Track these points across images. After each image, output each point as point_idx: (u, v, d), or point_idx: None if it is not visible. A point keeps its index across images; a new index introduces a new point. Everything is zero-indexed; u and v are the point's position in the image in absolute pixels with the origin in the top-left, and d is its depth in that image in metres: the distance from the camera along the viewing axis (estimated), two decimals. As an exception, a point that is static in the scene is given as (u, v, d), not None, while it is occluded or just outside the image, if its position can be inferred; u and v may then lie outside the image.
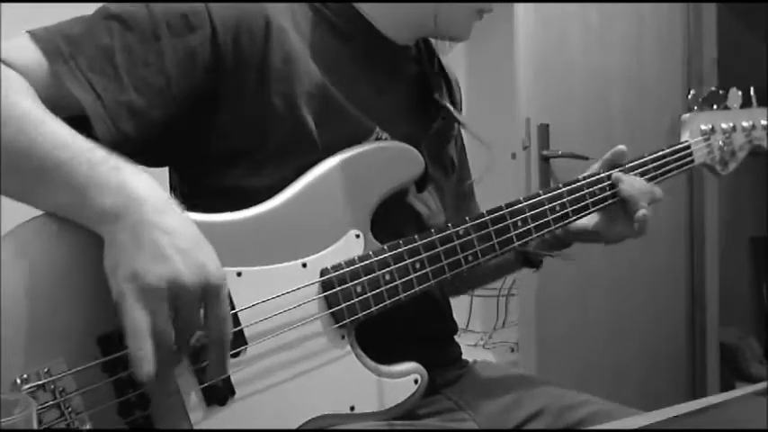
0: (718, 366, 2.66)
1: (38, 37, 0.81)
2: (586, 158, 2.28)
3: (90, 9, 0.86)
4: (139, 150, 0.82)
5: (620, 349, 2.44)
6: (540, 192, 1.01)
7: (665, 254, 2.53)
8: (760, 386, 0.85)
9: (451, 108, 1.07)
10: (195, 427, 0.77)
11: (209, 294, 0.71)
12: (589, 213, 1.05)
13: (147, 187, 0.73)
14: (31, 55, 0.80)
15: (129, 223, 0.70)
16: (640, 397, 2.39)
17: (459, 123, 1.10)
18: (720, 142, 1.21)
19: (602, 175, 1.07)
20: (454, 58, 1.13)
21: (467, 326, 3.19)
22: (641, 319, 2.49)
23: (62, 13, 0.86)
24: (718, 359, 2.66)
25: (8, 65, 0.78)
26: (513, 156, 2.31)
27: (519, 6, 2.22)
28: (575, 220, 1.04)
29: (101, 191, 0.71)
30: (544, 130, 2.29)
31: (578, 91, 2.37)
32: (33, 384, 0.70)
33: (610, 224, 1.08)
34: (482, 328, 3.41)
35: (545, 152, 2.29)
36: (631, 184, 1.06)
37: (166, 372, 0.72)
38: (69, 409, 0.71)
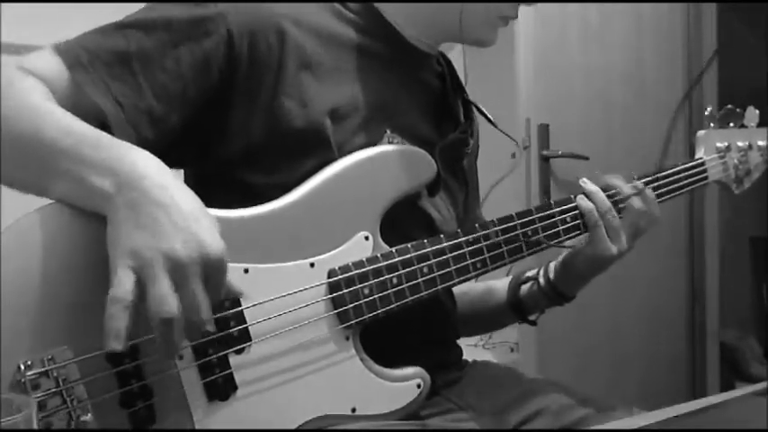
0: (718, 366, 2.66)
1: (58, 48, 0.83)
2: (586, 158, 2.28)
3: (90, 9, 0.86)
4: (157, 153, 0.82)
5: (620, 349, 2.44)
6: (552, 202, 1.01)
7: (665, 254, 2.53)
8: (760, 386, 0.85)
9: (482, 108, 1.08)
10: (196, 421, 0.77)
11: (208, 269, 0.71)
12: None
13: (146, 164, 0.74)
14: (52, 65, 0.82)
15: (127, 201, 0.71)
16: (640, 397, 2.39)
17: (490, 121, 1.10)
18: (736, 160, 1.19)
19: (615, 190, 1.05)
20: (453, 58, 1.13)
21: (467, 326, 3.19)
22: (641, 318, 2.49)
23: (63, 13, 0.86)
24: (718, 359, 2.66)
25: (29, 72, 0.80)
26: (513, 155, 2.31)
27: (519, 6, 2.21)
28: (586, 231, 1.02)
29: (101, 171, 0.72)
30: (544, 130, 2.29)
31: (578, 91, 2.37)
32: (37, 371, 0.70)
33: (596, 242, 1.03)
34: (482, 328, 3.40)
35: (545, 152, 2.29)
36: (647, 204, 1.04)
37: (175, 346, 0.70)
38: (72, 398, 0.71)
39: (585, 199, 1.02)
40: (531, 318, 1.13)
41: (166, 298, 0.67)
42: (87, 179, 0.72)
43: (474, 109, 1.10)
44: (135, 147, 0.75)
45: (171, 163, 0.89)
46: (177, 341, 0.69)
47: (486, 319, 1.18)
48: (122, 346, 0.66)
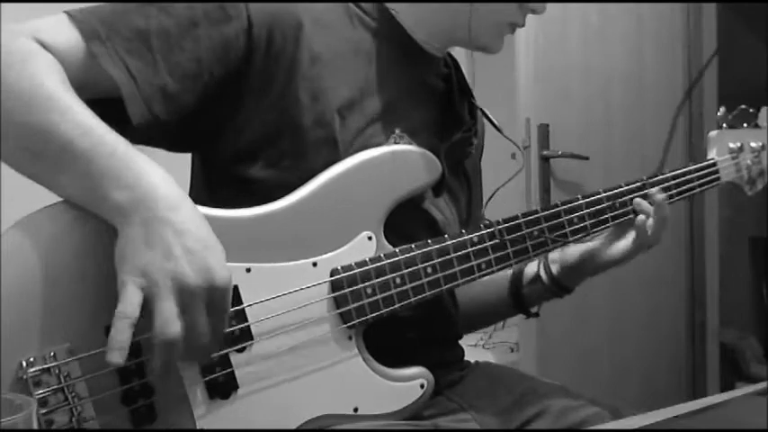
0: (719, 366, 2.66)
1: (75, 17, 0.82)
2: (586, 158, 2.28)
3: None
4: (167, 133, 0.84)
5: (621, 349, 2.44)
6: (558, 202, 1.00)
7: (665, 254, 2.53)
8: (760, 386, 0.85)
9: (487, 112, 1.09)
10: (197, 419, 0.77)
11: (212, 297, 0.72)
12: (608, 227, 1.03)
13: (161, 183, 0.74)
14: (67, 34, 0.80)
15: (141, 219, 0.71)
16: (640, 397, 2.39)
17: (495, 126, 1.10)
18: (749, 161, 1.18)
19: (624, 188, 1.05)
20: (458, 60, 1.13)
21: (467, 326, 3.19)
22: (641, 319, 2.49)
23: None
24: (718, 359, 2.66)
25: (42, 45, 0.79)
26: (513, 156, 2.31)
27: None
28: (594, 233, 1.02)
29: (116, 183, 0.72)
30: (544, 130, 2.29)
31: (578, 91, 2.37)
32: (38, 368, 0.70)
33: (610, 243, 1.05)
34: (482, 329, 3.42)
35: (545, 152, 2.29)
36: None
37: (171, 365, 0.72)
38: (73, 395, 0.72)
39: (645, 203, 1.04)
40: (533, 310, 1.14)
41: (172, 320, 0.69)
42: (102, 186, 0.73)
43: (482, 114, 1.10)
44: (150, 161, 0.75)
45: (179, 145, 0.91)
46: (174, 362, 0.71)
47: (489, 314, 1.18)
48: (124, 359, 0.68)
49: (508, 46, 2.26)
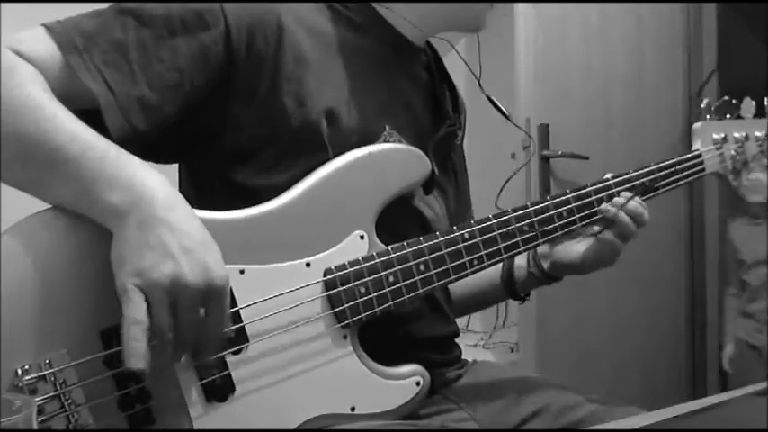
0: (718, 366, 2.65)
1: (53, 29, 0.82)
2: (586, 158, 2.28)
3: (90, 8, 0.86)
4: (150, 145, 0.83)
5: (621, 349, 2.44)
6: (548, 197, 1.01)
7: (664, 254, 2.53)
8: (760, 386, 0.85)
9: (497, 102, 1.10)
10: (195, 422, 0.77)
11: (211, 296, 0.72)
12: (596, 220, 1.04)
13: (156, 184, 0.74)
14: (45, 47, 0.80)
15: (138, 220, 0.71)
16: (640, 396, 2.39)
17: (505, 116, 1.10)
18: (733, 151, 1.19)
19: (611, 182, 1.05)
20: (454, 58, 1.13)
21: (467, 326, 3.19)
22: (641, 318, 2.49)
23: (62, 12, 0.86)
24: (718, 359, 2.65)
25: (22, 56, 0.79)
26: (513, 156, 2.31)
27: (519, 6, 2.22)
28: (582, 226, 1.02)
29: (110, 186, 0.72)
30: (544, 130, 2.29)
31: (578, 91, 2.37)
32: (34, 375, 0.70)
33: (598, 250, 1.05)
34: (482, 328, 3.41)
35: (545, 152, 2.29)
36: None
37: (165, 368, 0.72)
38: (69, 401, 0.71)
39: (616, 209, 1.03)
40: (522, 295, 1.15)
41: (164, 327, 0.70)
42: (95, 190, 0.73)
43: (490, 102, 1.10)
44: (143, 163, 0.75)
45: (164, 157, 0.90)
46: (163, 364, 0.72)
47: (481, 302, 1.19)
48: (144, 364, 0.68)
49: (508, 46, 2.27)
